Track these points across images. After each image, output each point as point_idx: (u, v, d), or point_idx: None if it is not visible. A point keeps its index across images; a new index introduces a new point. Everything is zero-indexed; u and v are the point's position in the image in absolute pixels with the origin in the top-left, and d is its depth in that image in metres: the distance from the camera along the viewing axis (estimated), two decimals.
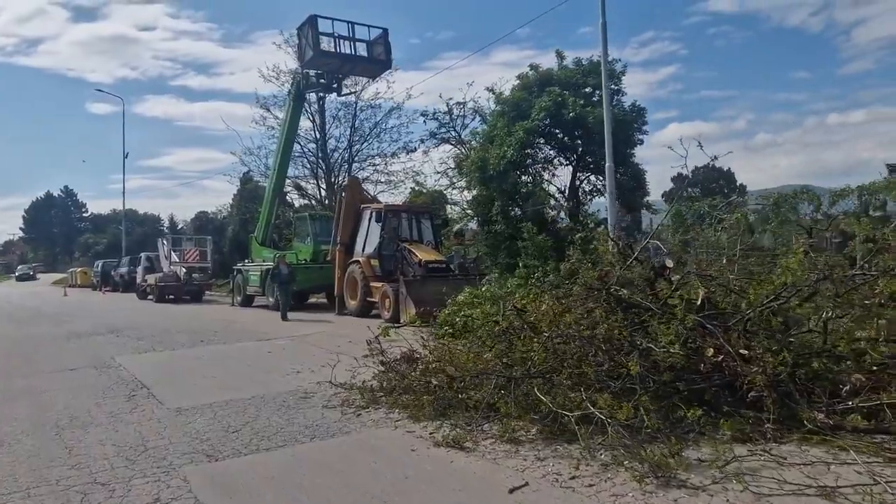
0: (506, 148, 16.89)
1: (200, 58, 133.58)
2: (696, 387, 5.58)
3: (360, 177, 26.94)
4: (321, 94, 23.53)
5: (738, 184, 53.20)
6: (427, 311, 13.39)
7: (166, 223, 76.31)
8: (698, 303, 6.71)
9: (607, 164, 13.92)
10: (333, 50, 19.22)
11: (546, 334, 6.17)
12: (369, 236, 17.71)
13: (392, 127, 30.57)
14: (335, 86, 21.51)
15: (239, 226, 36.23)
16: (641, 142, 17.82)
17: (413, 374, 7.12)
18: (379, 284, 16.60)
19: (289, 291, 17.65)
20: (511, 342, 6.31)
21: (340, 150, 30.50)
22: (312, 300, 23.76)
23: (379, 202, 20.23)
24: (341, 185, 21.90)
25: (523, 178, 17.85)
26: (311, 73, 21.25)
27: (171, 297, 27.59)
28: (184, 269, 28.35)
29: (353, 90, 25.28)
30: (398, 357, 7.89)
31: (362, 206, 18.54)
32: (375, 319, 16.43)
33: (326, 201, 30.26)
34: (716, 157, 6.50)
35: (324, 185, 30.83)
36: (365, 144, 30.81)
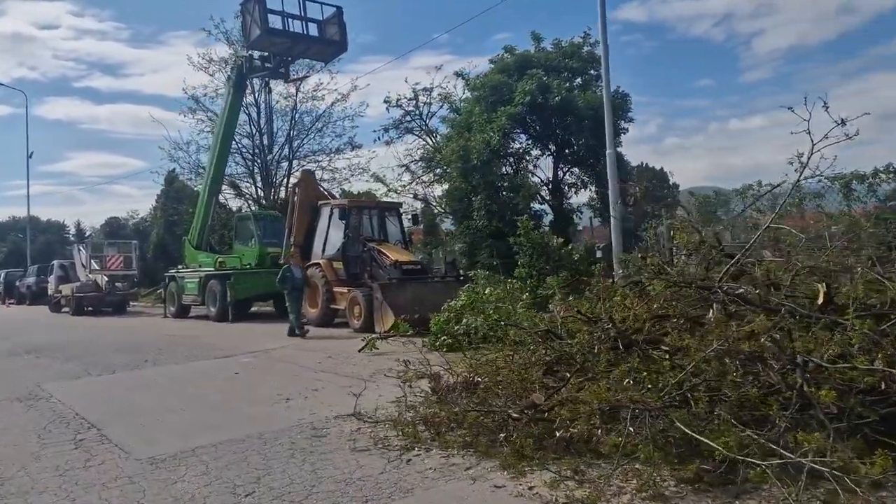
0: (491, 134, 15.41)
1: (106, 58, 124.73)
2: (885, 411, 4.24)
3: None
4: (266, 80, 21.43)
5: (671, 182, 53.66)
6: (411, 318, 11.77)
7: (72, 230, 71.23)
8: (819, 301, 5.46)
9: (608, 151, 12.62)
10: (283, 28, 17.26)
11: (666, 347, 4.71)
12: (330, 236, 15.87)
13: (336, 120, 28.61)
14: (282, 70, 19.44)
15: (164, 229, 33.25)
16: (626, 130, 16.80)
17: (471, 401, 5.51)
18: (345, 289, 14.79)
19: (301, 299, 14.50)
20: (646, 363, 4.79)
21: (279, 146, 28.22)
22: (254, 309, 21.63)
23: (335, 197, 18.39)
24: (294, 181, 19.70)
25: (505, 168, 16.43)
26: (256, 55, 19.16)
27: (90, 308, 24.74)
28: (105, 278, 25.44)
29: (298, 75, 23.01)
30: (434, 378, 6.29)
31: (320, 202, 16.69)
32: (340, 329, 14.69)
33: (264, 201, 28.01)
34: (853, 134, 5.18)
35: (261, 184, 28.51)
36: (306, 139, 28.68)
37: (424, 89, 23.27)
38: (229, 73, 21.43)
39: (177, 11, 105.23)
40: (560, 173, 17.56)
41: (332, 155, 28.83)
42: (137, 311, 25.93)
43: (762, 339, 4.24)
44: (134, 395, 8.26)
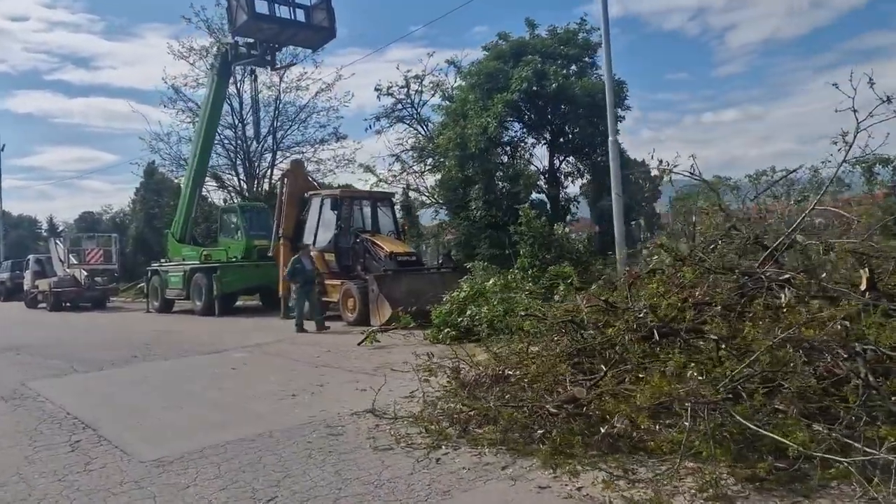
0: (488, 120, 15.07)
1: (79, 51, 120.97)
2: None
3: (286, 166, 24.00)
4: (251, 69, 20.84)
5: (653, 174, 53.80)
6: (409, 310, 11.43)
7: (45, 225, 69.65)
8: (863, 287, 5.23)
9: (610, 139, 12.29)
10: (270, 14, 16.74)
11: (715, 336, 4.43)
12: (321, 227, 15.43)
13: (320, 111, 28.10)
14: (269, 58, 18.85)
15: (144, 222, 32.45)
16: (623, 118, 16.55)
17: (499, 395, 5.19)
18: (337, 282, 14.39)
19: (311, 293, 13.49)
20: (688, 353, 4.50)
21: (263, 136, 27.58)
22: (238, 303, 21.06)
23: (324, 187, 17.95)
24: (282, 172, 19.11)
25: (502, 157, 16.11)
26: (241, 42, 18.57)
27: (69, 304, 24.03)
28: (84, 272, 24.70)
29: (283, 63, 22.38)
30: (454, 372, 5.97)
31: (309, 193, 16.25)
32: (333, 322, 14.25)
33: (247, 193, 27.44)
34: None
35: (243, 176, 27.90)
36: (290, 130, 28.14)
37: (416, 77, 22.72)
38: (213, 61, 20.75)
39: (151, 3, 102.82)
40: (556, 162, 17.30)
41: (317, 146, 28.39)
42: (117, 307, 25.23)
43: (836, 325, 3.97)
44: (127, 393, 7.84)
